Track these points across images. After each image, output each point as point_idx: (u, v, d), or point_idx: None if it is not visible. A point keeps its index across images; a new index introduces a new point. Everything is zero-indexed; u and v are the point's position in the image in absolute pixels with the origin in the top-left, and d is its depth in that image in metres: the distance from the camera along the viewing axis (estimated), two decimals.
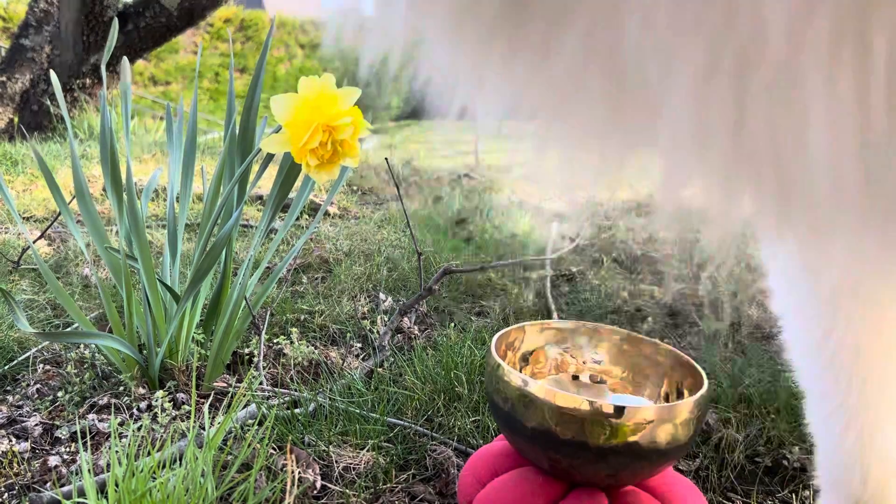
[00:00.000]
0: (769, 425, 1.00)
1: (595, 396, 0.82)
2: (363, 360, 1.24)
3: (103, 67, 1.08)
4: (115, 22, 1.18)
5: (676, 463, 0.93)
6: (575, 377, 0.87)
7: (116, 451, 0.75)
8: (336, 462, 0.88)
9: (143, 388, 1.07)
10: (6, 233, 1.96)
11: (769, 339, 1.36)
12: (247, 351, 1.23)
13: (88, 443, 0.93)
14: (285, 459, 0.84)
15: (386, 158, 1.51)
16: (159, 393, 1.01)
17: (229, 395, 1.08)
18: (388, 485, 0.86)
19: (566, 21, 0.31)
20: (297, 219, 2.21)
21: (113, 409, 1.03)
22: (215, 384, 1.12)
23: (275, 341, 1.26)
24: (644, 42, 0.29)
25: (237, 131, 1.10)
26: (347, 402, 1.03)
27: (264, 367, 1.18)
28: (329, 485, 0.86)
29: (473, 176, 3.46)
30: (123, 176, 1.04)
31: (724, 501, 0.88)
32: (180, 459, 0.85)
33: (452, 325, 1.35)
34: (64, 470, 0.89)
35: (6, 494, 0.84)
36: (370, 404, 1.04)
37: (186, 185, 1.19)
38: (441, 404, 1.03)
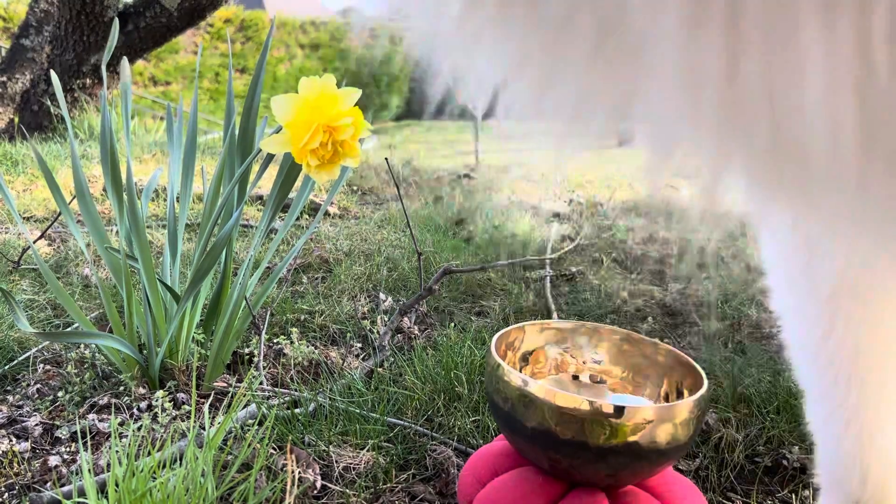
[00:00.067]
0: (769, 425, 1.00)
1: (595, 396, 0.82)
2: (363, 360, 1.24)
3: (104, 67, 1.08)
4: (116, 22, 1.18)
5: (676, 463, 0.93)
6: (575, 377, 0.87)
7: (117, 451, 0.75)
8: (336, 462, 0.89)
9: (144, 387, 1.07)
10: (6, 233, 1.96)
11: (769, 339, 1.36)
12: (247, 351, 1.23)
13: (89, 443, 0.93)
14: (285, 459, 0.84)
15: (386, 158, 1.51)
16: (159, 393, 1.01)
17: (229, 395, 1.08)
18: (388, 485, 0.86)
19: None
20: (297, 219, 2.21)
21: (113, 409, 1.03)
22: (215, 384, 1.12)
23: (275, 341, 1.26)
24: None
25: (237, 131, 1.10)
26: (347, 402, 1.03)
27: (264, 367, 1.18)
28: (329, 485, 0.86)
29: (473, 176, 3.46)
30: (124, 176, 1.04)
31: (724, 501, 0.88)
32: (180, 459, 0.85)
33: (452, 325, 1.35)
34: (64, 470, 0.89)
35: (6, 494, 0.84)
36: (370, 404, 1.04)
37: (187, 185, 1.19)
38: (441, 404, 1.03)
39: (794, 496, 0.88)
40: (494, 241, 1.94)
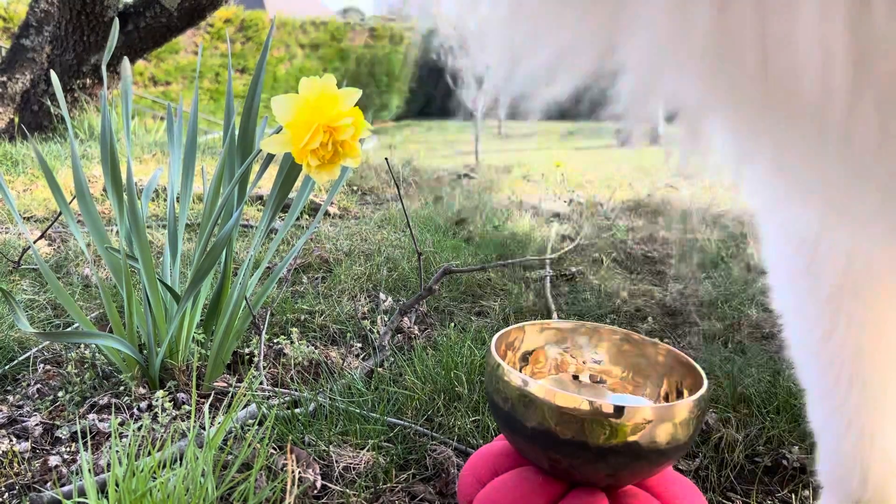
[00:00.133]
0: (769, 425, 1.00)
1: (595, 396, 0.82)
2: (363, 359, 1.24)
3: (104, 67, 1.08)
4: (116, 22, 1.18)
5: (676, 463, 0.93)
6: (575, 377, 0.87)
7: (117, 451, 0.76)
8: (336, 462, 0.89)
9: (144, 387, 1.08)
10: (7, 233, 1.96)
11: (769, 339, 1.36)
12: (247, 351, 1.23)
13: (89, 442, 0.93)
14: (285, 459, 0.84)
15: (386, 158, 1.51)
16: (159, 393, 1.01)
17: (229, 394, 1.08)
18: (389, 484, 0.86)
19: None
20: (298, 219, 2.21)
21: (113, 409, 1.03)
22: (215, 384, 1.12)
23: (275, 341, 1.26)
24: None
25: (237, 131, 1.10)
26: (347, 401, 1.03)
27: (264, 367, 1.18)
28: (329, 484, 0.86)
29: (473, 176, 3.46)
30: (124, 176, 1.04)
31: (724, 501, 0.88)
32: (180, 459, 0.85)
33: (452, 325, 1.35)
34: (64, 470, 0.89)
35: (7, 494, 0.84)
36: (370, 404, 1.04)
37: (187, 185, 1.19)
38: (441, 404, 1.04)
39: (794, 496, 0.88)
40: (494, 241, 1.94)
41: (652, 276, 1.79)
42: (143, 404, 1.04)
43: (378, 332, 1.33)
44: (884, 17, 0.26)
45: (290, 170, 1.08)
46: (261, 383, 1.11)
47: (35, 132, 3.96)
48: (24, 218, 2.18)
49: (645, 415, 0.66)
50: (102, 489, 0.81)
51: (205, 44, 10.99)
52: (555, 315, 1.47)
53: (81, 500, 0.74)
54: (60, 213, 1.86)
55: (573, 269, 1.75)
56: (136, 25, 3.94)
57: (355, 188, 2.87)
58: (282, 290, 1.51)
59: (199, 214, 2.14)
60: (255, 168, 1.12)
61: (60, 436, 0.97)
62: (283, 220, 1.87)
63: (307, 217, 2.30)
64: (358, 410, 1.00)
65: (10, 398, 1.07)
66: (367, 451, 0.91)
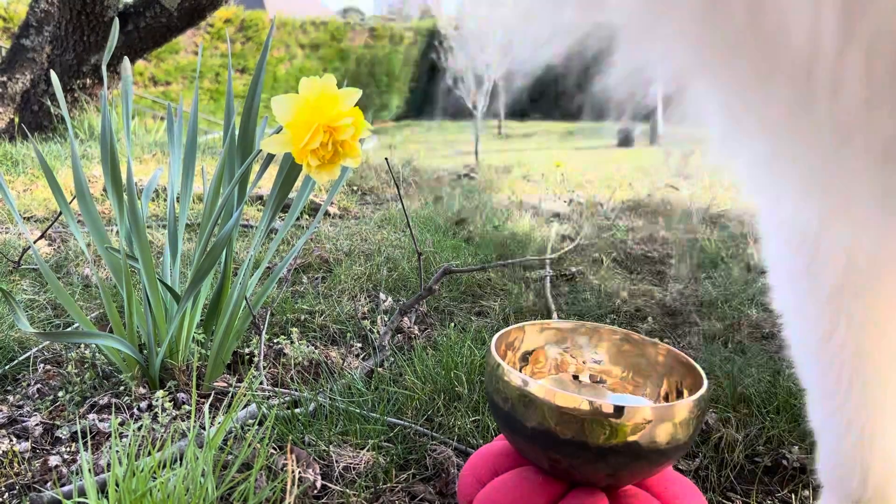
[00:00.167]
0: (769, 425, 1.00)
1: (595, 396, 0.82)
2: (363, 359, 1.24)
3: (104, 67, 1.08)
4: (116, 22, 1.18)
5: (676, 463, 0.93)
6: (575, 377, 0.87)
7: (117, 451, 0.76)
8: (336, 462, 0.89)
9: (144, 387, 1.08)
10: (7, 233, 1.96)
11: (769, 339, 1.36)
12: (247, 351, 1.23)
13: (89, 442, 0.93)
14: (285, 459, 0.85)
15: (386, 158, 1.51)
16: (160, 393, 1.01)
17: (230, 394, 1.08)
18: (389, 484, 0.86)
19: None
20: (298, 219, 2.21)
21: (113, 409, 1.03)
22: (216, 384, 1.12)
23: (275, 341, 1.26)
24: None
25: (237, 132, 1.10)
26: (347, 401, 1.03)
27: (264, 367, 1.18)
28: (329, 484, 0.86)
29: (473, 176, 3.46)
30: (124, 176, 1.04)
31: (724, 501, 0.88)
32: (181, 459, 0.85)
33: (452, 325, 1.35)
34: (64, 470, 0.89)
35: (7, 494, 0.84)
36: (370, 404, 1.04)
37: (187, 185, 1.19)
38: (441, 404, 1.04)
39: (793, 496, 0.88)
40: (494, 241, 1.94)
41: (652, 276, 1.79)
42: (143, 404, 1.04)
43: (378, 332, 1.33)
44: None
45: (290, 170, 1.08)
46: (261, 383, 1.11)
47: (35, 132, 3.96)
48: (25, 218, 2.18)
49: (645, 415, 0.66)
50: (102, 489, 0.81)
51: (205, 44, 10.99)
52: (555, 315, 1.47)
53: (81, 500, 0.74)
54: (60, 213, 1.86)
55: (573, 269, 1.75)
56: (136, 25, 3.94)
57: (355, 188, 2.87)
58: (282, 290, 1.51)
59: (199, 214, 2.14)
60: (255, 168, 1.12)
61: (60, 436, 0.97)
62: (283, 220, 1.87)
63: (307, 217, 2.30)
64: (358, 410, 1.00)
65: (11, 398, 1.07)
66: (367, 451, 0.91)
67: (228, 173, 1.11)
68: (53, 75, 1.07)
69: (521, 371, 0.85)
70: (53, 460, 0.90)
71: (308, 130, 0.86)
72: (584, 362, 0.88)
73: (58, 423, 1.00)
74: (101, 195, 2.42)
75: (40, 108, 4.06)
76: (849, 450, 0.61)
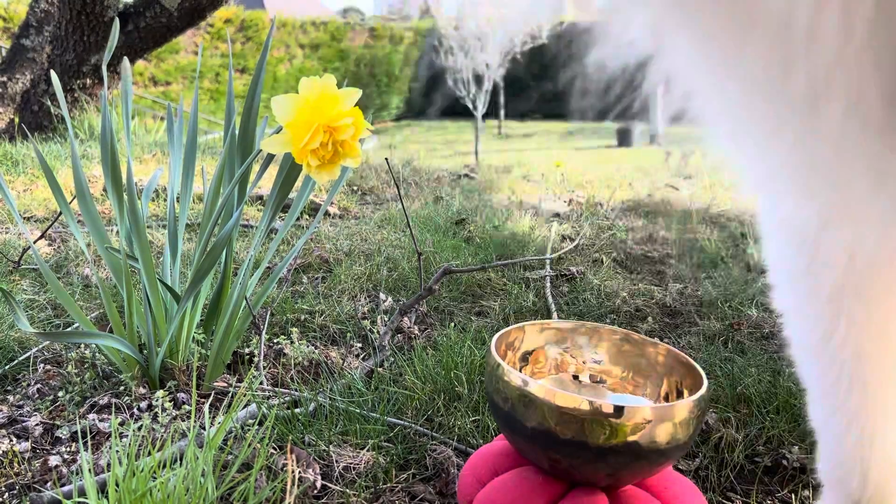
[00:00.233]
0: (769, 425, 1.00)
1: (595, 396, 0.82)
2: (363, 359, 1.24)
3: (104, 67, 1.08)
4: (116, 22, 1.18)
5: (676, 463, 0.93)
6: (575, 377, 0.87)
7: (117, 451, 0.76)
8: (336, 462, 0.89)
9: (144, 387, 1.08)
10: (7, 233, 1.96)
11: (769, 339, 1.36)
12: (247, 351, 1.23)
13: (89, 442, 0.93)
14: (285, 459, 0.85)
15: (386, 158, 1.51)
16: (160, 393, 1.01)
17: (230, 394, 1.08)
18: (389, 484, 0.86)
19: None
20: (298, 219, 2.21)
21: (113, 409, 1.03)
22: (216, 384, 1.12)
23: (275, 341, 1.26)
24: None
25: (237, 132, 1.10)
26: (347, 401, 1.03)
27: (264, 367, 1.18)
28: (329, 484, 0.86)
29: (473, 176, 3.46)
30: (124, 176, 1.04)
31: (724, 501, 0.88)
32: (181, 459, 0.85)
33: (452, 325, 1.35)
34: (64, 469, 0.89)
35: (7, 494, 0.84)
36: (370, 404, 1.04)
37: (187, 185, 1.19)
38: (441, 404, 1.04)
39: (793, 496, 0.88)
40: (494, 241, 1.94)
41: (652, 276, 1.79)
42: (143, 404, 1.04)
43: (378, 332, 1.33)
44: None
45: (290, 170, 1.08)
46: (261, 383, 1.11)
47: (35, 132, 3.96)
48: (25, 218, 2.18)
49: (645, 415, 0.66)
50: (102, 489, 0.81)
51: (205, 44, 11.00)
52: (555, 315, 1.47)
53: (81, 500, 0.74)
54: (60, 213, 1.86)
55: (573, 269, 1.75)
56: (137, 25, 3.94)
57: (355, 188, 2.87)
58: (282, 290, 1.51)
59: (199, 214, 2.14)
60: (255, 168, 1.12)
61: (60, 436, 0.97)
62: (283, 220, 1.87)
63: (307, 217, 2.30)
64: (358, 410, 1.00)
65: (11, 398, 1.07)
66: (367, 451, 0.91)
67: (228, 173, 1.11)
68: (53, 75, 1.07)
69: (521, 371, 0.85)
70: (53, 460, 0.90)
71: (308, 130, 0.86)
72: (584, 362, 0.88)
73: (58, 423, 1.00)
74: (101, 195, 2.42)
75: (40, 108, 4.06)
76: (849, 450, 0.61)
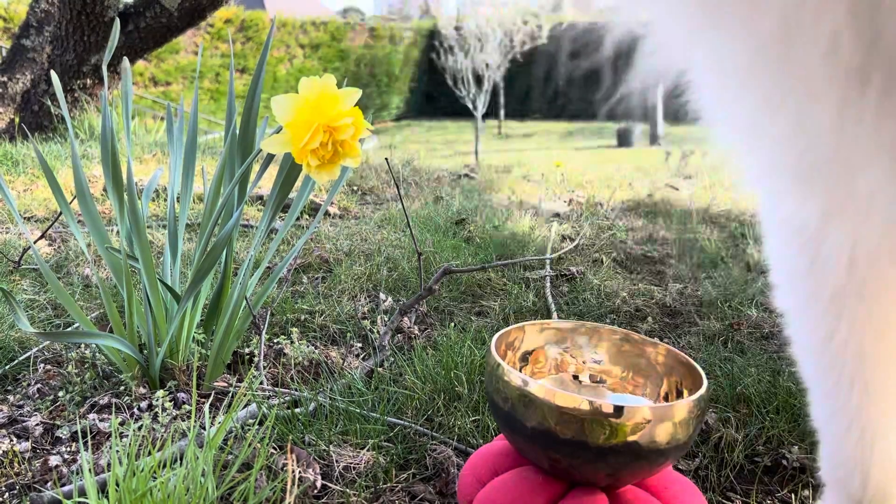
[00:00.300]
0: (768, 425, 1.00)
1: (595, 396, 0.82)
2: (363, 359, 1.24)
3: (104, 68, 1.08)
4: (117, 22, 1.18)
5: (676, 463, 0.93)
6: (575, 377, 0.87)
7: (117, 451, 0.76)
8: (336, 461, 0.89)
9: (144, 387, 1.08)
10: (7, 233, 1.96)
11: (769, 339, 1.36)
12: (247, 351, 1.23)
13: (89, 442, 0.93)
14: (286, 459, 0.85)
15: (386, 158, 1.51)
16: (160, 392, 1.01)
17: (230, 394, 1.08)
18: (389, 484, 0.87)
19: None
20: (298, 219, 2.21)
21: (114, 409, 1.03)
22: (216, 384, 1.12)
23: (275, 341, 1.26)
24: None
25: (238, 132, 1.10)
26: (348, 401, 1.03)
27: (265, 367, 1.18)
28: (329, 484, 0.86)
29: (473, 176, 3.46)
30: (124, 176, 1.04)
31: (724, 501, 0.88)
32: (181, 459, 0.85)
33: (452, 325, 1.35)
34: (65, 469, 0.89)
35: (7, 494, 0.84)
36: (370, 404, 1.04)
37: (187, 185, 1.19)
38: (441, 404, 1.04)
39: (793, 496, 0.88)
40: (494, 241, 1.94)
41: (652, 276, 1.79)
42: (144, 404, 1.04)
43: (378, 332, 1.33)
44: None
45: (290, 170, 1.08)
46: (261, 383, 1.11)
47: (35, 132, 3.97)
48: (25, 218, 2.18)
49: (644, 414, 0.66)
50: (103, 489, 0.81)
51: (205, 44, 11.00)
52: (555, 315, 1.47)
53: (82, 499, 0.74)
54: (61, 213, 1.86)
55: (573, 269, 1.75)
56: (137, 25, 3.94)
57: (355, 188, 2.87)
58: (282, 290, 1.51)
59: (199, 214, 2.14)
60: (256, 168, 1.12)
61: (61, 435, 0.97)
62: (283, 220, 1.87)
63: (307, 217, 2.30)
64: (358, 410, 1.00)
65: (11, 398, 1.07)
66: (367, 450, 0.91)
67: (229, 173, 1.11)
68: (54, 75, 1.08)
69: (521, 371, 0.85)
70: (54, 460, 0.90)
71: (308, 130, 0.86)
72: (584, 362, 0.88)
73: (58, 422, 1.00)
74: (102, 195, 2.42)
75: (40, 108, 4.06)
76: (850, 450, 0.61)
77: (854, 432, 0.60)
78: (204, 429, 0.95)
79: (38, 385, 1.10)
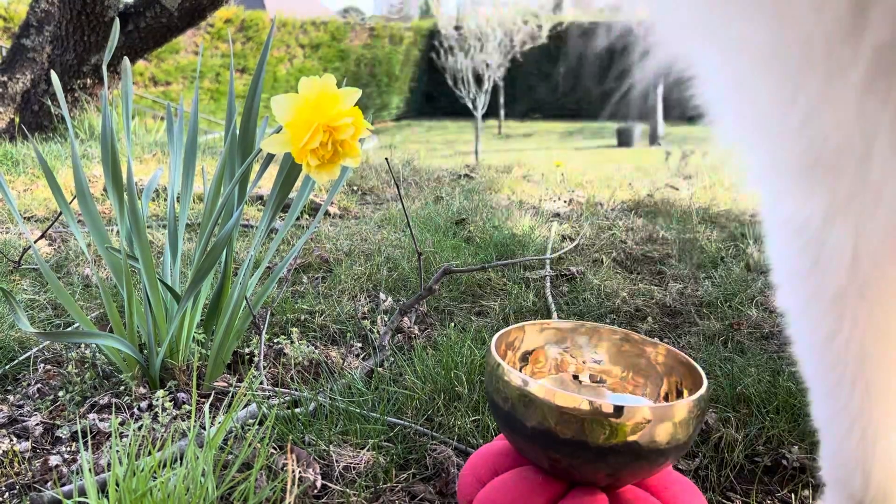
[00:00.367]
0: (768, 425, 1.00)
1: (595, 396, 0.82)
2: (363, 359, 1.24)
3: (104, 67, 1.08)
4: (117, 22, 1.18)
5: (676, 463, 0.93)
6: (575, 377, 0.87)
7: (117, 451, 0.76)
8: (336, 461, 0.89)
9: (144, 387, 1.08)
10: (7, 233, 1.96)
11: (769, 339, 1.36)
12: (247, 351, 1.23)
13: (89, 442, 0.93)
14: (286, 459, 0.85)
15: (386, 158, 1.51)
16: (160, 392, 1.01)
17: (230, 394, 1.08)
18: (389, 484, 0.86)
19: None
20: (298, 219, 2.21)
21: (114, 409, 1.03)
22: (216, 384, 1.12)
23: (275, 341, 1.26)
24: None
25: (238, 132, 1.10)
26: (348, 401, 1.03)
27: (265, 367, 1.18)
28: (329, 484, 0.86)
29: (473, 176, 3.46)
30: (124, 176, 1.04)
31: (724, 501, 0.88)
32: (181, 459, 0.85)
33: (452, 325, 1.35)
34: (65, 469, 0.89)
35: (7, 494, 0.84)
36: (370, 404, 1.04)
37: (187, 185, 1.19)
38: (441, 404, 1.04)
39: (793, 496, 0.88)
40: (494, 241, 1.94)
41: (652, 276, 1.79)
42: (144, 404, 1.04)
43: (378, 332, 1.33)
44: None
45: (290, 170, 1.08)
46: (261, 383, 1.11)
47: (35, 132, 3.97)
48: (25, 218, 2.18)
49: (644, 414, 0.66)
50: (103, 489, 0.81)
51: (205, 44, 11.00)
52: (555, 315, 1.47)
53: (82, 499, 0.74)
54: (61, 213, 1.86)
55: (573, 269, 1.75)
56: (137, 25, 3.94)
57: (355, 188, 2.87)
58: (282, 290, 1.51)
59: (199, 214, 2.14)
60: (256, 168, 1.12)
61: (61, 435, 0.97)
62: (283, 220, 1.87)
63: (307, 217, 2.30)
64: (358, 410, 1.00)
65: (11, 398, 1.07)
66: (367, 450, 0.91)
67: (229, 173, 1.11)
68: (54, 75, 1.07)
69: (521, 371, 0.85)
70: (54, 460, 0.90)
71: (308, 130, 0.86)
72: (584, 362, 0.88)
73: (58, 422, 1.00)
74: (102, 195, 2.42)
75: (40, 108, 4.06)
76: (852, 450, 0.60)
77: (855, 432, 0.60)
78: (204, 429, 0.94)
79: (38, 385, 1.10)
